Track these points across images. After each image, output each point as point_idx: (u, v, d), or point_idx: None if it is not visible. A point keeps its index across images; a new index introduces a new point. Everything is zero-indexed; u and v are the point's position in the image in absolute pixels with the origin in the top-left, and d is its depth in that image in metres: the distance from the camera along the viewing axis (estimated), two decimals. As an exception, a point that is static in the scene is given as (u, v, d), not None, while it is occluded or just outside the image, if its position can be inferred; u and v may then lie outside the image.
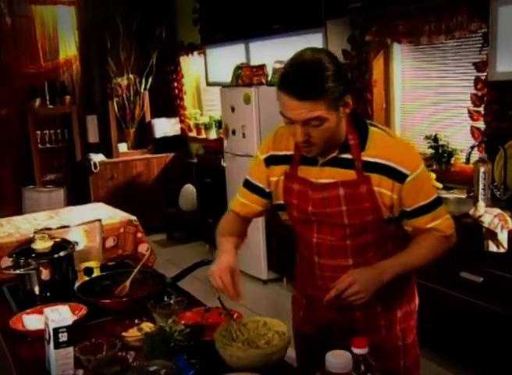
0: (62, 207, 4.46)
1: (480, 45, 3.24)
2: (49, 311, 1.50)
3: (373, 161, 1.48)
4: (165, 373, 1.22)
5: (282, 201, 1.65)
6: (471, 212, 2.76)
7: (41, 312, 1.75)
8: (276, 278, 4.54)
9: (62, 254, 2.03)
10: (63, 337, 1.45)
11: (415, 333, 1.69)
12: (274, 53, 4.45)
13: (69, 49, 6.03)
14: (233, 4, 4.82)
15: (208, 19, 5.32)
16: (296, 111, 1.40)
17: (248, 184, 1.73)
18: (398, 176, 1.47)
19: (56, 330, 1.45)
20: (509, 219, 2.66)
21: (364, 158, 1.49)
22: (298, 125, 1.42)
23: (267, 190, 1.69)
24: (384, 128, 1.57)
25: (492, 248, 2.64)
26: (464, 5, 3.19)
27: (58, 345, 1.45)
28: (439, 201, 1.55)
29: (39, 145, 5.77)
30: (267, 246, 4.46)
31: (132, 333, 1.60)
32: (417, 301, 1.73)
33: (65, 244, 2.11)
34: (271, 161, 1.65)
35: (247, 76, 4.45)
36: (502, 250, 2.62)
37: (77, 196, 5.66)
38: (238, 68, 4.58)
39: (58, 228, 3.11)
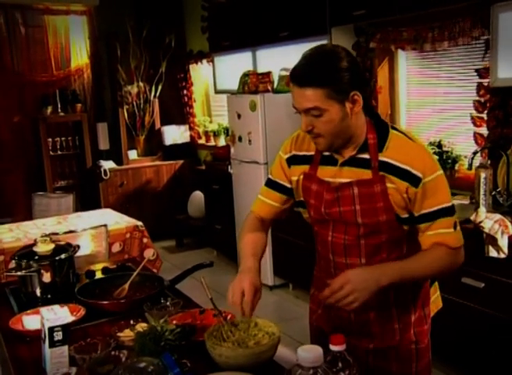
0: (71, 213, 4.52)
1: (483, 52, 3.25)
2: (45, 310, 1.54)
3: (389, 162, 1.50)
4: (152, 369, 1.25)
5: (302, 198, 1.67)
6: (472, 217, 2.76)
7: (40, 313, 1.80)
8: (282, 284, 4.56)
9: (62, 256, 2.07)
10: (58, 336, 1.48)
11: (429, 337, 1.69)
12: (280, 60, 4.50)
13: (80, 58, 6.14)
14: (241, 12, 4.89)
15: (215, 27, 5.39)
16: (298, 99, 1.47)
17: (269, 183, 1.76)
18: (412, 180, 1.48)
19: (51, 329, 1.48)
20: (509, 224, 2.66)
21: (381, 159, 1.51)
22: (302, 114, 1.48)
23: (288, 186, 1.71)
24: (405, 131, 1.58)
25: (493, 253, 2.64)
26: (467, 11, 3.21)
27: (53, 344, 1.48)
28: (449, 211, 1.51)
29: (50, 152, 5.87)
30: (273, 252, 4.48)
31: (127, 334, 1.63)
32: (431, 306, 1.72)
33: (66, 247, 2.16)
34: (292, 161, 1.69)
35: (253, 83, 4.49)
36: (502, 255, 2.62)
37: (87, 202, 5.74)
38: (244, 75, 4.63)
39: (65, 233, 3.17)
